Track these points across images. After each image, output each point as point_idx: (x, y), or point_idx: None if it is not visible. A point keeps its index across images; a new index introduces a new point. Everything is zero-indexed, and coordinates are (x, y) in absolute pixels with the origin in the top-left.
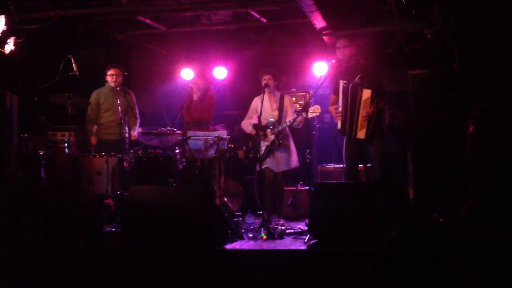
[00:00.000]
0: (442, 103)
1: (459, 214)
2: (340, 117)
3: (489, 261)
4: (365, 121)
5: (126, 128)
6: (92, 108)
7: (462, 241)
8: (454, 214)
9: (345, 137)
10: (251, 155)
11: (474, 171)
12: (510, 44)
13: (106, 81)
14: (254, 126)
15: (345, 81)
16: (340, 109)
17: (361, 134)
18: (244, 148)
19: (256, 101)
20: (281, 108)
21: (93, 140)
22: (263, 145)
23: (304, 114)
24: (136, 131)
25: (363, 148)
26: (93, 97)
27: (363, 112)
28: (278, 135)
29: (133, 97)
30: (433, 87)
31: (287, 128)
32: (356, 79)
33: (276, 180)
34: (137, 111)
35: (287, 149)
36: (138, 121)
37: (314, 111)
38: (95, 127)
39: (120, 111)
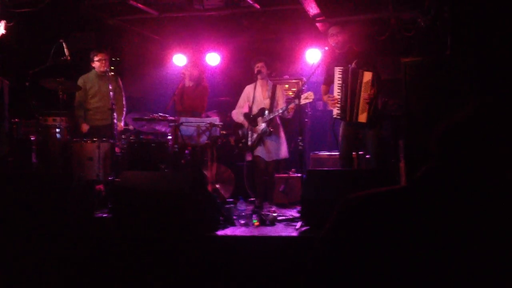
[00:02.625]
0: (435, 91)
1: (411, 180)
2: (335, 105)
3: (441, 224)
4: (366, 104)
5: (114, 114)
6: (80, 94)
7: (413, 207)
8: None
9: (342, 123)
10: (240, 144)
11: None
12: (503, 32)
13: (93, 67)
14: (245, 114)
15: (340, 68)
16: (336, 95)
17: (362, 118)
18: (234, 136)
19: (248, 90)
20: (273, 97)
21: (84, 127)
22: (254, 134)
23: (296, 101)
24: (123, 122)
25: (359, 134)
26: (80, 82)
27: (364, 95)
28: (269, 123)
29: (120, 83)
30: (426, 75)
31: (277, 118)
32: (353, 64)
33: (268, 170)
34: (123, 98)
35: (277, 138)
36: (125, 109)
37: (307, 97)
38: (81, 113)
39: (111, 96)
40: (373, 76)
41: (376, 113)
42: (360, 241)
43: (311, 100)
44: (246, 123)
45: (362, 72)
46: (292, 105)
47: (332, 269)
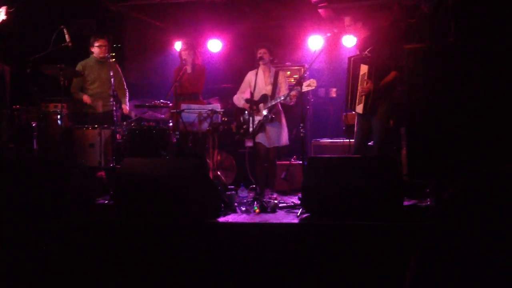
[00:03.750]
0: (438, 78)
1: None
2: None
3: None
4: (362, 96)
5: (112, 100)
6: (78, 80)
7: None
8: None
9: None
10: (242, 130)
11: None
12: (506, 19)
13: (92, 52)
14: (247, 100)
15: (354, 55)
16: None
17: (359, 109)
18: (235, 122)
19: (250, 75)
20: (275, 84)
21: (86, 98)
22: (256, 120)
23: (298, 88)
24: (127, 105)
25: (368, 121)
26: (78, 68)
27: (359, 87)
28: (270, 109)
29: (119, 69)
30: (429, 62)
31: (279, 105)
32: (366, 52)
33: (269, 156)
34: (124, 83)
35: (278, 125)
36: (127, 93)
37: (309, 84)
38: (79, 93)
39: (113, 83)
40: (369, 69)
41: (384, 102)
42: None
43: (313, 87)
44: (247, 107)
45: (360, 64)
46: (294, 92)
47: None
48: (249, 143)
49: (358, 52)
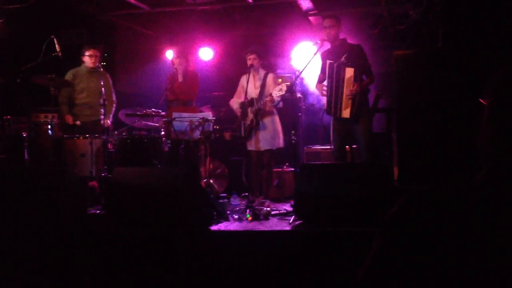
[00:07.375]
0: (426, 84)
1: (470, 184)
2: (325, 96)
3: (499, 230)
4: (349, 100)
5: (102, 110)
6: (66, 89)
7: (473, 210)
8: (465, 185)
9: (332, 118)
10: (243, 134)
11: (487, 143)
12: (494, 24)
13: (83, 62)
14: (241, 104)
15: (331, 61)
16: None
17: (345, 114)
18: (235, 126)
19: (243, 79)
20: (263, 86)
21: (68, 118)
22: (246, 124)
23: (273, 93)
24: (110, 119)
25: (350, 128)
26: (69, 76)
27: (346, 91)
28: (257, 113)
29: (110, 79)
30: (418, 68)
31: (274, 109)
32: (342, 58)
33: (263, 161)
34: (113, 95)
35: (271, 128)
36: (114, 105)
37: (280, 89)
38: (66, 107)
39: (103, 92)
40: (355, 71)
41: (364, 107)
42: (422, 236)
43: (283, 92)
44: (240, 112)
45: (344, 68)
46: (268, 98)
47: (391, 263)
48: (249, 147)
49: (328, 58)
